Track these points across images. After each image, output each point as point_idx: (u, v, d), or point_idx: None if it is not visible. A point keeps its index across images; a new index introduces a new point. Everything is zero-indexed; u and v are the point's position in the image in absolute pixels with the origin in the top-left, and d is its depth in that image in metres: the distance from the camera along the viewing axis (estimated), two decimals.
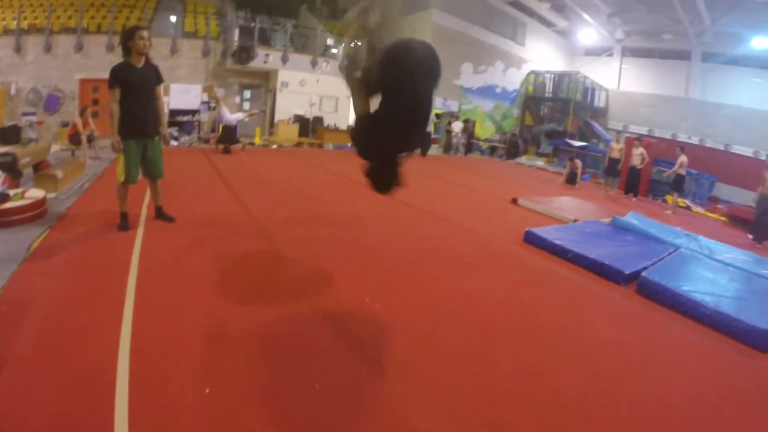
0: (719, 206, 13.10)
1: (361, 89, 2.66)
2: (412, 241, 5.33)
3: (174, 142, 14.31)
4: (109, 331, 2.75)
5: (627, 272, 4.64)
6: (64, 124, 13.61)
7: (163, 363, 2.50)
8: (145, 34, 4.54)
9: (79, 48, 15.18)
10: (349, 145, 17.43)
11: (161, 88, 4.80)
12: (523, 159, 19.73)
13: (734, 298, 4.22)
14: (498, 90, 23.43)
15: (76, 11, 15.49)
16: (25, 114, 14.14)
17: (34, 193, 5.23)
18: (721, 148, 20.55)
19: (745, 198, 13.27)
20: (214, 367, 2.49)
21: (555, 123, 23.07)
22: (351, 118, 19.35)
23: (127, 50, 4.51)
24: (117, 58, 13.05)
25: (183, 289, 3.48)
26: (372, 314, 3.32)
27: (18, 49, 14.50)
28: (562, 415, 2.40)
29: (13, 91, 14.42)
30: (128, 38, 4.50)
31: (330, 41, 19.73)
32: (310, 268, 4.10)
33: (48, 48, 14.85)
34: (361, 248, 4.89)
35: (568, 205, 8.71)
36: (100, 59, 15.15)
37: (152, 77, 4.66)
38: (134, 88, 4.46)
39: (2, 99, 14.20)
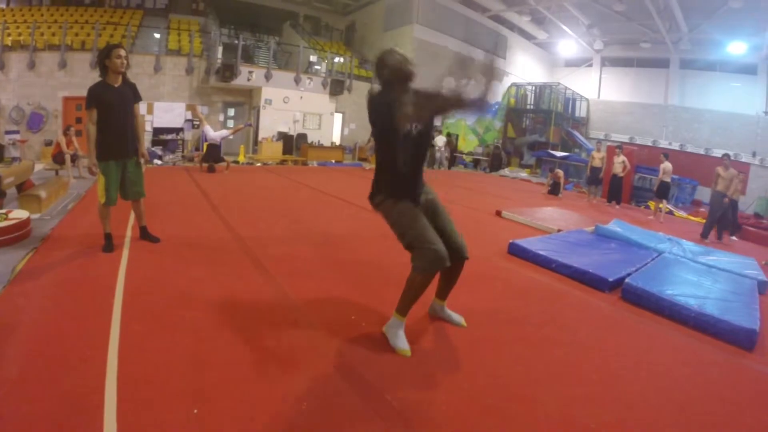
0: (701, 209, 13.31)
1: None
2: (395, 257, 5.33)
3: (158, 161, 14.23)
4: (96, 355, 2.73)
5: (611, 279, 4.71)
6: (48, 143, 13.60)
7: (150, 385, 2.49)
8: (122, 52, 4.39)
9: (62, 65, 15.18)
10: (333, 161, 17.60)
11: (139, 106, 4.69)
12: (506, 171, 19.97)
13: (718, 300, 4.33)
14: None
15: (60, 28, 15.50)
16: (8, 132, 14.07)
17: (18, 214, 5.17)
18: (702, 152, 20.94)
19: None
20: (202, 389, 2.49)
21: (537, 134, 23.37)
22: (335, 134, 19.48)
23: (104, 69, 4.39)
24: None
25: (169, 311, 3.46)
26: (360, 331, 3.33)
27: (1, 65, 14.46)
28: (545, 425, 2.42)
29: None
30: (105, 57, 4.37)
31: (313, 58, 19.85)
32: (297, 287, 4.10)
33: (32, 65, 14.82)
34: (344, 264, 4.90)
35: (552, 215, 8.82)
36: (84, 77, 15.09)
37: (130, 96, 4.55)
38: (112, 107, 4.37)
39: None
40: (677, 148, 21.49)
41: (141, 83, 16.17)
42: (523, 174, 19.39)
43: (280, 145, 17.36)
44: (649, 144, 22.70)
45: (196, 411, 2.30)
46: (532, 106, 25.11)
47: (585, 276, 4.88)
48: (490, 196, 11.70)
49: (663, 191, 11.52)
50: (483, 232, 7.17)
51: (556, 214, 9.11)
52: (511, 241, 5.80)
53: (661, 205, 11.62)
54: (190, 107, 16.88)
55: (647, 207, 13.47)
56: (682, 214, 13.07)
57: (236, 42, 16.94)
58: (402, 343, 3.06)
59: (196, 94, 17.28)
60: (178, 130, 16.72)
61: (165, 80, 16.73)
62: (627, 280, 4.57)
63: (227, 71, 16.19)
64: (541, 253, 5.42)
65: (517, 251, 5.68)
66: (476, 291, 4.41)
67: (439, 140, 19.14)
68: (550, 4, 21.93)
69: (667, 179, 11.48)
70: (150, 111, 16.34)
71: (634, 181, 14.62)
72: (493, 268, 5.22)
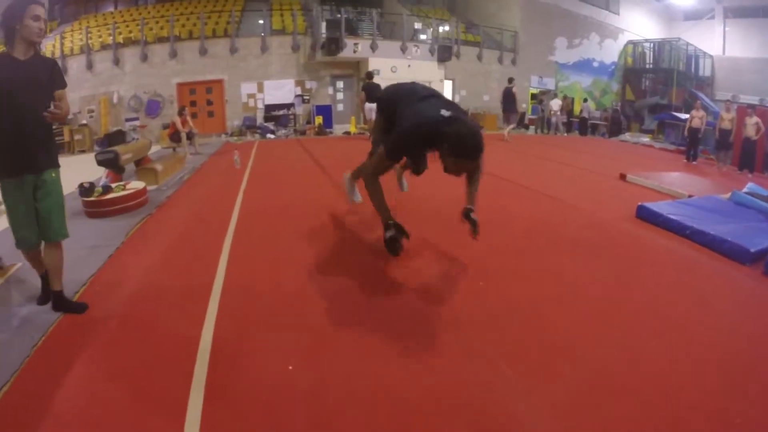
0: None
1: None
2: (515, 219, 5.24)
3: (270, 135, 15.15)
4: (197, 307, 3.00)
5: (753, 250, 4.26)
6: (165, 126, 14.70)
7: (245, 340, 2.68)
8: (40, 11, 2.77)
9: (173, 55, 16.68)
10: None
11: (63, 95, 2.95)
12: (626, 136, 18.64)
13: None
14: (595, 64, 22.45)
15: (167, 22, 16.90)
16: (128, 119, 15.71)
17: (135, 185, 5.71)
18: None
19: None
20: (299, 346, 2.61)
21: (658, 96, 21.72)
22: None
23: (10, 35, 2.75)
24: (211, 60, 13.92)
25: (272, 270, 3.70)
26: (482, 296, 3.28)
27: (116, 61, 16.31)
28: (684, 415, 2.12)
29: (115, 100, 16.18)
30: (14, 18, 2.71)
31: (417, 25, 19.66)
32: (417, 251, 4.08)
33: (144, 57, 16.49)
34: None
35: (680, 180, 8.18)
36: (195, 63, 16.77)
37: (43, 76, 2.84)
38: (11, 90, 2.68)
39: (106, 107, 15.83)
40: None
41: (249, 64, 17.32)
42: (645, 139, 18.05)
43: None
44: None
45: (291, 368, 2.40)
46: (651, 66, 23.38)
47: (723, 245, 4.45)
48: (611, 160, 11.01)
49: None
50: (608, 196, 6.82)
51: (685, 179, 8.45)
52: (640, 204, 5.46)
53: None
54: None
55: None
56: None
57: (338, 17, 17.17)
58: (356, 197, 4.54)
59: (303, 70, 17.88)
60: (288, 106, 17.39)
61: (272, 59, 17.57)
62: None
63: (332, 45, 16.52)
64: (674, 217, 5.03)
65: (646, 215, 5.32)
66: (604, 256, 4.22)
67: (554, 103, 18.23)
68: None
69: None
70: (260, 89, 17.33)
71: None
72: (621, 233, 4.95)
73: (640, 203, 5.48)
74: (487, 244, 4.07)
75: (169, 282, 3.52)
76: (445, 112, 3.12)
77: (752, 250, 4.25)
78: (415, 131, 3.19)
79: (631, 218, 5.42)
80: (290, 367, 2.40)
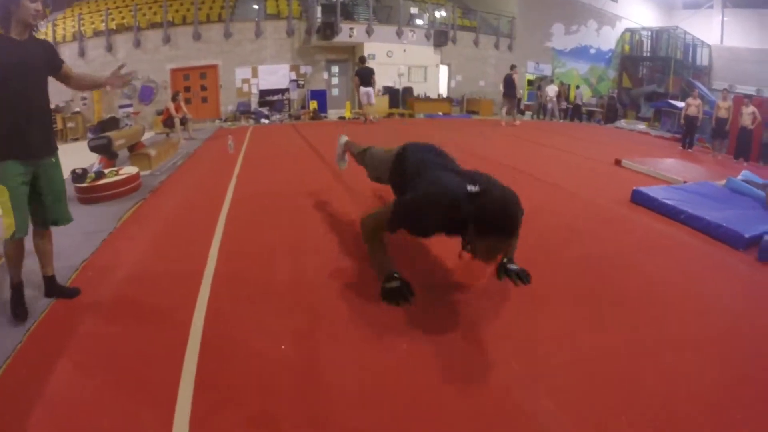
0: None
1: None
2: None
3: (264, 120, 15.15)
4: (189, 291, 3.02)
5: (747, 236, 4.25)
6: (159, 112, 14.65)
7: (237, 323, 2.69)
8: None
9: (166, 40, 16.48)
10: (441, 113, 17.49)
11: (69, 69, 2.98)
12: (622, 123, 18.62)
13: None
14: (592, 51, 22.36)
15: (161, 7, 16.75)
16: (121, 106, 15.63)
17: (128, 170, 5.69)
18: None
19: None
20: (292, 329, 2.62)
21: (655, 84, 21.65)
22: (441, 86, 19.15)
23: (6, 17, 2.65)
24: (205, 45, 13.81)
25: (265, 253, 3.70)
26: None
27: (109, 48, 16.09)
28: (682, 400, 2.12)
29: (108, 87, 15.67)
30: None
31: (414, 10, 19.52)
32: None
33: (137, 43, 16.28)
34: None
35: (675, 167, 8.17)
36: (188, 48, 16.59)
37: (41, 58, 2.78)
38: (8, 72, 2.61)
39: (99, 94, 15.60)
40: None
41: (243, 49, 17.14)
42: (641, 126, 18.02)
43: (386, 99, 17.47)
44: None
45: (283, 347, 2.43)
46: (648, 54, 23.26)
47: (718, 230, 4.45)
48: (606, 146, 11.03)
49: None
50: (602, 181, 6.85)
51: (680, 166, 8.43)
52: (634, 188, 5.46)
53: None
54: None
55: None
56: None
57: (334, 1, 17.02)
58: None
59: (298, 55, 17.75)
60: (283, 91, 17.28)
61: (267, 44, 17.42)
62: (766, 237, 4.12)
63: (327, 29, 16.38)
64: (668, 202, 5.03)
65: (641, 199, 5.33)
66: (597, 238, 4.26)
67: (550, 90, 18.27)
68: None
69: None
70: (255, 74, 17.21)
71: (765, 138, 13.20)
72: (615, 216, 4.98)
73: (635, 188, 5.48)
74: None
75: (161, 267, 3.51)
76: (471, 188, 2.44)
77: (747, 235, 4.25)
78: (435, 200, 2.51)
79: (626, 203, 5.43)
80: (282, 347, 2.41)
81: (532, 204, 5.19)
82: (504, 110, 14.90)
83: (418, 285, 2.88)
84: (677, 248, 4.22)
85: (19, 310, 2.77)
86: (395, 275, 2.80)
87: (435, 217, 2.50)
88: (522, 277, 2.92)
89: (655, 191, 5.42)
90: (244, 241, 4.02)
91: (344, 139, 4.62)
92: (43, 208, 2.87)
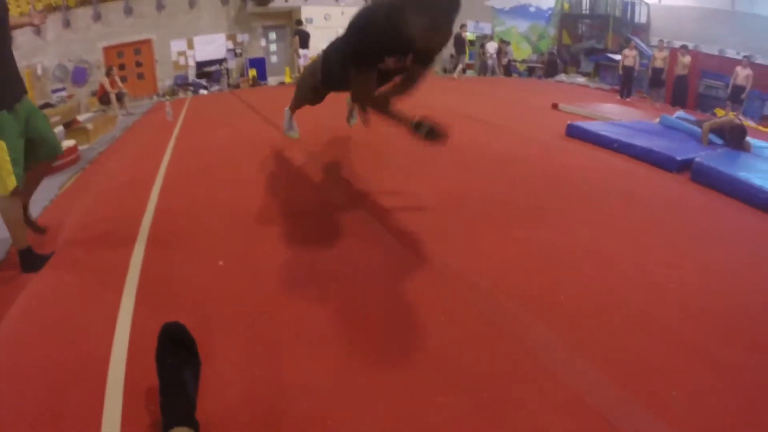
0: None
1: None
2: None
3: (203, 91, 14.85)
4: (131, 229, 2.97)
5: (679, 158, 4.33)
6: (93, 93, 14.00)
7: (176, 249, 2.68)
8: None
9: (97, 17, 15.51)
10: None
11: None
12: (562, 77, 18.87)
13: None
14: (532, 9, 22.48)
15: None
16: (54, 90, 14.70)
17: (65, 143, 5.49)
18: None
19: None
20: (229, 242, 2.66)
21: (594, 41, 21.96)
22: None
23: None
24: (138, 20, 13.20)
25: (205, 194, 3.69)
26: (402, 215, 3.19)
27: (38, 31, 14.86)
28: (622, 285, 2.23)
29: (39, 72, 15.02)
30: None
31: None
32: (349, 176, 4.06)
33: (67, 23, 15.23)
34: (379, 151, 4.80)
35: (612, 110, 8.27)
36: (120, 24, 15.69)
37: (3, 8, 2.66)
38: None
39: (30, 81, 14.55)
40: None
41: (178, 21, 16.48)
42: (581, 79, 18.27)
43: None
44: (715, 53, 20.91)
45: (221, 263, 2.43)
46: (587, 12, 23.53)
47: (651, 155, 4.52)
48: (545, 95, 11.08)
49: (736, 95, 10.57)
50: (539, 122, 6.85)
51: (617, 109, 8.56)
52: (569, 122, 5.48)
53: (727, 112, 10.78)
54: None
55: (713, 114, 12.54)
56: (751, 123, 12.09)
57: None
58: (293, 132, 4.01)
59: (234, 24, 17.16)
60: (221, 61, 16.72)
61: (202, 14, 16.70)
62: (696, 159, 4.18)
63: None
64: (603, 133, 5.08)
65: (576, 133, 5.37)
66: (535, 166, 4.27)
67: (490, 46, 18.33)
68: None
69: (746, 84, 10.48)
70: (191, 46, 16.55)
71: (700, 89, 13.64)
72: (552, 148, 5.02)
73: (569, 122, 5.50)
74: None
75: (103, 215, 3.45)
76: None
77: (678, 158, 4.34)
78: (369, 10, 2.50)
79: (561, 136, 5.46)
80: (221, 263, 2.41)
81: (481, 141, 5.26)
82: (459, 67, 15.16)
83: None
84: (614, 170, 4.32)
85: (29, 265, 2.62)
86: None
87: (375, 22, 2.43)
88: (434, 134, 2.57)
89: (588, 125, 5.50)
90: (185, 184, 3.98)
91: (287, 109, 4.18)
92: (40, 143, 2.78)
